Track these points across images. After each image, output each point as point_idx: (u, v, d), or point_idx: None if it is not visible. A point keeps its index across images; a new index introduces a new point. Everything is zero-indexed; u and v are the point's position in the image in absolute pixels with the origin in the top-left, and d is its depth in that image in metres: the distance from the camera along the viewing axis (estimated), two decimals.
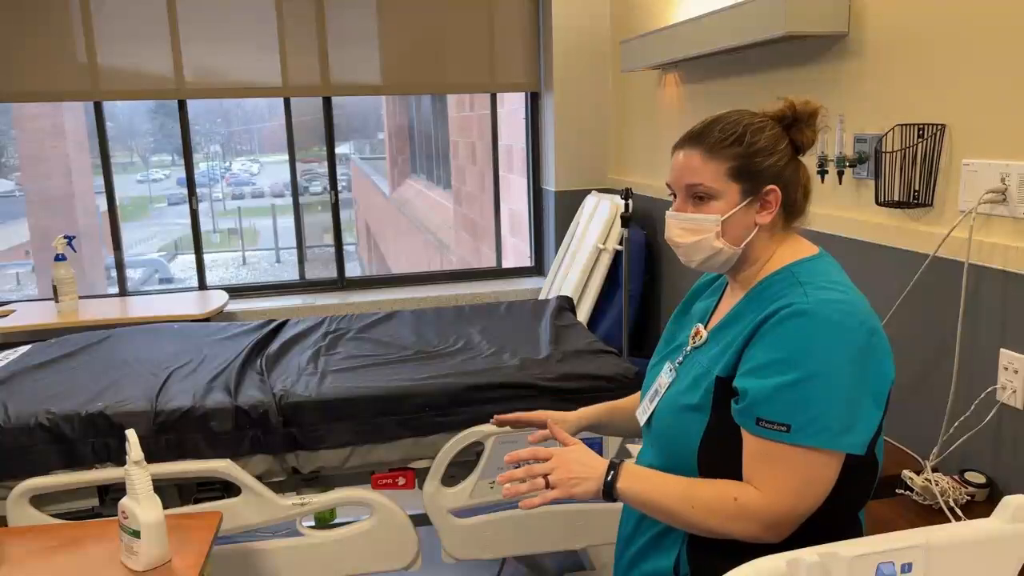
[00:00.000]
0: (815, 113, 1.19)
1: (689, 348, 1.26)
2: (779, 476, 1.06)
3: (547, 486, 1.14)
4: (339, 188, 4.14)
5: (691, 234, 1.19)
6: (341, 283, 4.20)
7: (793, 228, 1.23)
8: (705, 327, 1.26)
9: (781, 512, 1.07)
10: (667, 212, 1.24)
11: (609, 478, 1.13)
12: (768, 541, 1.09)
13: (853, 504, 1.17)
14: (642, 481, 1.14)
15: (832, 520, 1.13)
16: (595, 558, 2.74)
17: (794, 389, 1.04)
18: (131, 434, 1.57)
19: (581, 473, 1.14)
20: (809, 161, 2.38)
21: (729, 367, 1.13)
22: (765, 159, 1.16)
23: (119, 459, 1.97)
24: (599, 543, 2.32)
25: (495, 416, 1.49)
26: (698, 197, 1.18)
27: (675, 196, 1.22)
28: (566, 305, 2.92)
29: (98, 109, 3.73)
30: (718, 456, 1.14)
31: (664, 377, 1.27)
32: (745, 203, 1.16)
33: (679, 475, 1.16)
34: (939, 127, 1.87)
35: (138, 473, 1.56)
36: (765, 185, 1.16)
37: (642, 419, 1.30)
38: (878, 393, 1.08)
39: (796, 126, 1.19)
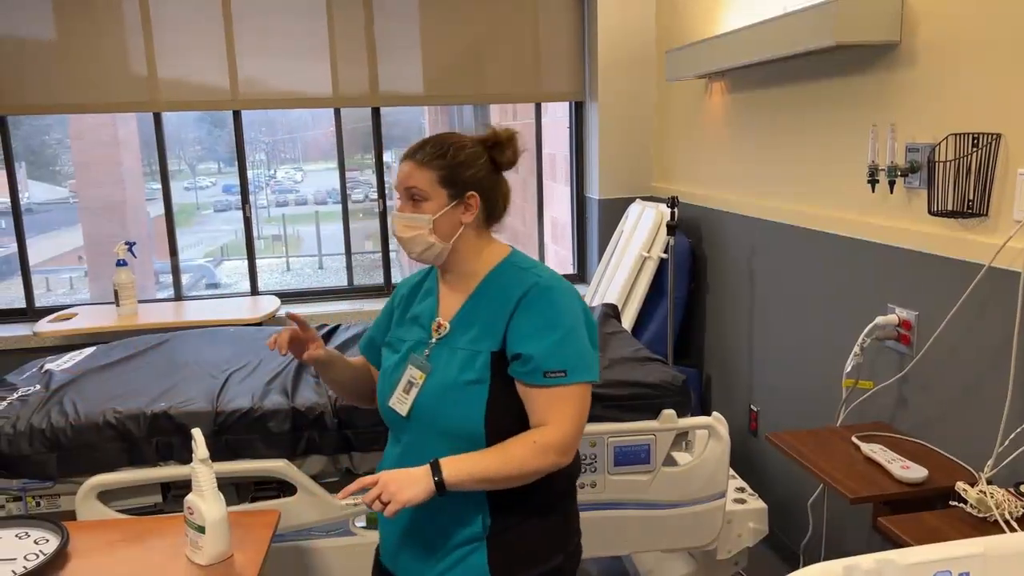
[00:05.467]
0: (512, 138, 1.47)
1: (434, 340, 1.48)
2: (565, 410, 1.38)
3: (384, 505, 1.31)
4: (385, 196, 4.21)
5: (410, 230, 1.45)
6: (388, 289, 4.27)
7: (492, 231, 1.52)
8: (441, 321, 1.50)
9: (569, 437, 1.38)
10: (392, 212, 1.48)
11: (436, 476, 1.33)
12: (562, 465, 1.38)
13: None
14: (462, 464, 1.35)
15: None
16: (639, 564, 2.74)
17: (562, 344, 1.38)
18: (197, 433, 1.63)
19: (406, 482, 1.32)
20: (859, 170, 2.37)
21: (499, 342, 1.41)
22: (466, 170, 1.44)
23: (181, 457, 2.05)
24: (642, 550, 2.33)
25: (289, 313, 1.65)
26: (414, 199, 1.44)
27: (400, 199, 1.47)
28: (611, 312, 2.93)
29: (157, 120, 3.86)
30: (503, 414, 1.40)
31: (416, 371, 1.47)
32: (451, 205, 1.44)
33: (470, 449, 1.39)
34: (994, 136, 1.86)
35: (204, 471, 1.62)
36: (467, 191, 1.44)
37: (402, 410, 1.47)
38: (595, 337, 1.45)
39: (497, 148, 1.47)
